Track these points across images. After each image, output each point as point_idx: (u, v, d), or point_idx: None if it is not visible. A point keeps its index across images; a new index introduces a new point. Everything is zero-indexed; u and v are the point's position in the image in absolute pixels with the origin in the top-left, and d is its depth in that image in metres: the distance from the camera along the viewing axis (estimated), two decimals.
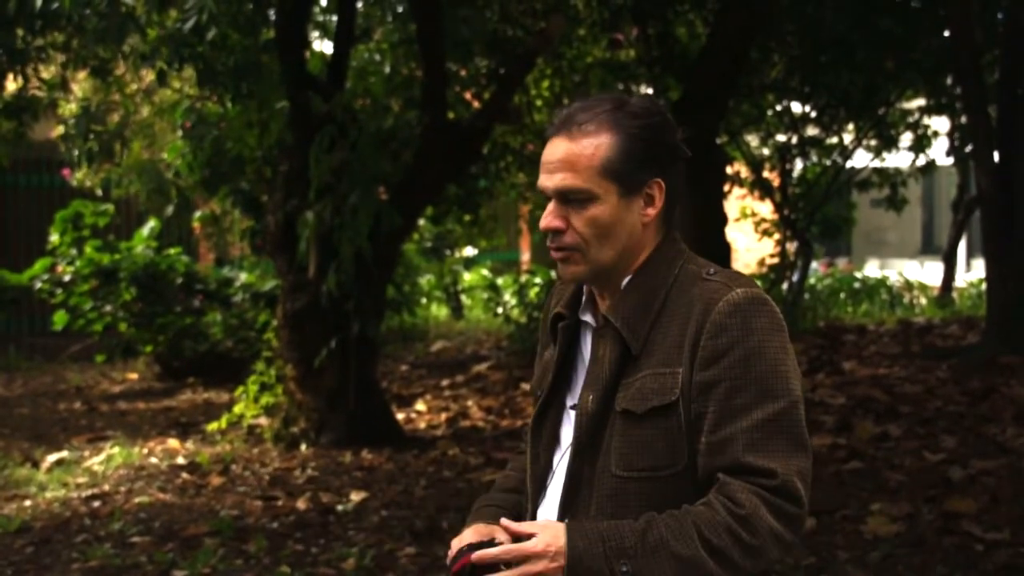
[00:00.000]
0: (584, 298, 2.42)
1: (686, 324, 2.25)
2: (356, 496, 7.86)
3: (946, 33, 12.34)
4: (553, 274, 14.11)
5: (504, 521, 2.21)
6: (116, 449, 9.51)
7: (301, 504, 7.71)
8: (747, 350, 2.21)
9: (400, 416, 10.28)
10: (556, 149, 2.32)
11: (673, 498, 2.20)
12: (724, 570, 2.13)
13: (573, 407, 2.36)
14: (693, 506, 2.17)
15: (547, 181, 2.32)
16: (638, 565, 2.11)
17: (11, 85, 9.26)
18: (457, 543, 2.35)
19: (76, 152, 11.05)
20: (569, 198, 2.30)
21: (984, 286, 12.90)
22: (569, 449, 2.34)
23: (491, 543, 2.25)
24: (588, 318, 2.40)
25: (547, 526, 2.18)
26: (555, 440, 2.40)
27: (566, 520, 2.22)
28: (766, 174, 15.66)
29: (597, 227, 2.29)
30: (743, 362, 2.20)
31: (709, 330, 2.22)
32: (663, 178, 2.32)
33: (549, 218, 2.33)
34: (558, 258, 2.35)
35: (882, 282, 18.48)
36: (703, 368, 2.22)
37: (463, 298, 19.05)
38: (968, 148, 14.95)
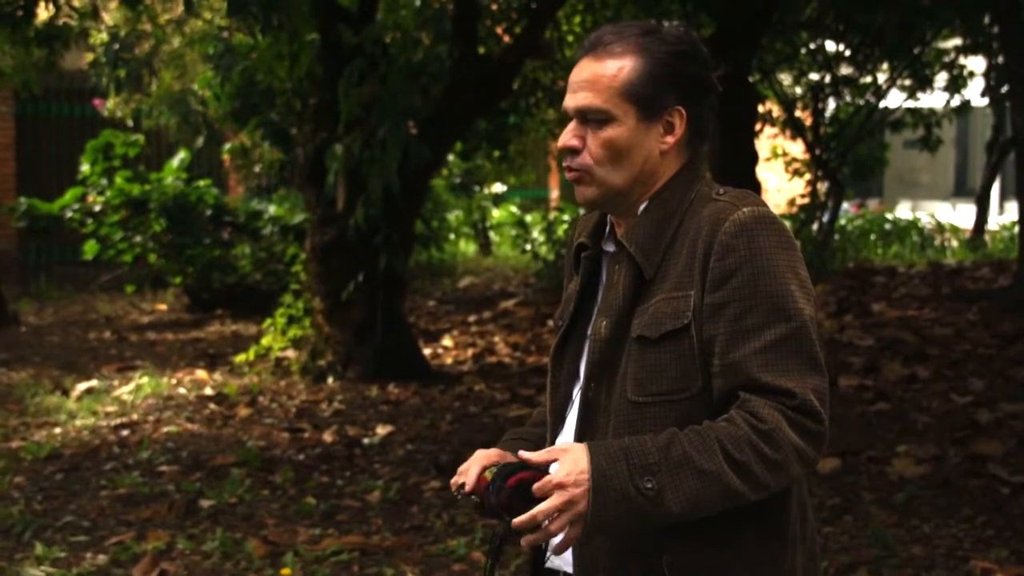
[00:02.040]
0: (608, 228, 2.40)
1: (695, 246, 2.23)
2: (382, 430, 7.90)
3: None
4: (581, 211, 14.06)
5: (522, 453, 2.19)
6: (145, 379, 9.58)
7: (327, 437, 7.76)
8: (755, 269, 2.18)
9: (427, 351, 10.31)
10: (582, 70, 2.30)
11: (688, 422, 2.19)
12: (746, 485, 2.11)
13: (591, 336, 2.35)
14: (714, 422, 2.16)
15: (570, 100, 2.31)
16: (662, 480, 2.09)
17: (43, 14, 9.24)
18: (469, 466, 2.32)
19: (105, 80, 11.04)
20: (588, 118, 2.28)
21: (1017, 229, 12.79)
22: (583, 375, 2.33)
23: (525, 466, 2.24)
24: (610, 247, 2.39)
25: (568, 449, 2.15)
26: (575, 371, 2.38)
27: (585, 441, 2.20)
28: (798, 113, 15.53)
29: (611, 149, 2.27)
30: (751, 282, 2.17)
31: (716, 251, 2.20)
32: (685, 107, 2.29)
33: (567, 136, 2.31)
34: (572, 179, 2.33)
35: (913, 224, 18.35)
36: (712, 290, 2.20)
37: (491, 234, 19.04)
38: (1004, 88, 14.76)
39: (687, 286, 2.22)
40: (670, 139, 2.30)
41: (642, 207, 2.32)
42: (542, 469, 2.17)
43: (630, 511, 2.10)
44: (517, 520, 2.11)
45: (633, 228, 2.30)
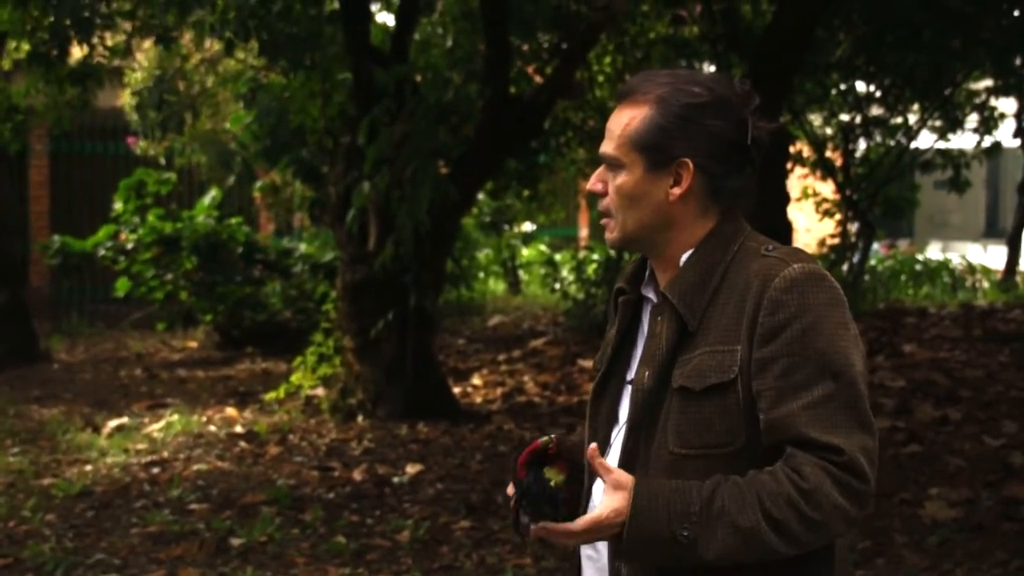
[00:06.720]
0: (647, 274, 2.41)
1: (744, 301, 2.23)
2: (412, 469, 7.90)
3: (1016, 12, 12.12)
4: (612, 252, 14.09)
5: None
6: (175, 416, 9.60)
7: (357, 475, 7.76)
8: (805, 326, 2.18)
9: (456, 390, 10.31)
10: (611, 117, 2.36)
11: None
12: (782, 540, 2.11)
13: (631, 382, 2.35)
14: (760, 473, 2.15)
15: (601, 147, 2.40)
16: (698, 531, 2.11)
17: (76, 52, 9.33)
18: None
19: (147, 124, 11.13)
20: (608, 163, 2.34)
21: None
22: (625, 425, 2.33)
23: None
24: (650, 294, 2.39)
25: (619, 484, 2.17)
26: (613, 416, 2.38)
27: (636, 476, 2.20)
28: (828, 154, 15.52)
29: (621, 195, 2.32)
30: (801, 338, 2.17)
31: (766, 307, 2.20)
32: (693, 159, 2.28)
33: (592, 180, 2.38)
34: (602, 222, 2.40)
35: (944, 265, 18.27)
36: (761, 345, 2.20)
37: (521, 273, 19.04)
38: None
39: (733, 340, 2.22)
40: (677, 190, 2.30)
41: (685, 257, 2.32)
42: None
43: (662, 552, 2.14)
44: (540, 530, 2.21)
45: (675, 280, 2.31)
